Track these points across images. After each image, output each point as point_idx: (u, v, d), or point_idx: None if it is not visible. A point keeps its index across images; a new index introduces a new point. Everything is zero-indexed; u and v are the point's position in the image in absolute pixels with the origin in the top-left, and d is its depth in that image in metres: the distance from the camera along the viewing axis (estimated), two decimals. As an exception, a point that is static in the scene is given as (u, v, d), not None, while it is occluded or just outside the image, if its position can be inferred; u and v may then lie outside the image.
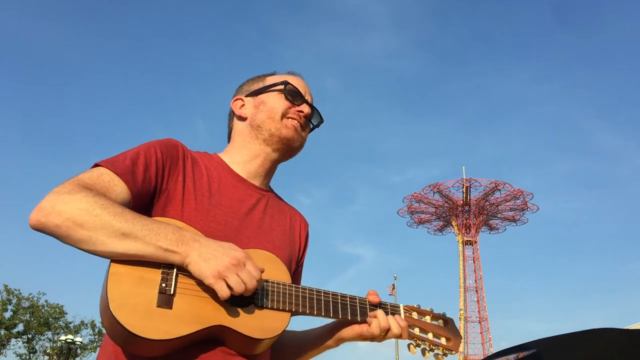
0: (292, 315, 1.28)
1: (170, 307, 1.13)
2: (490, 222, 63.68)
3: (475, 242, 62.49)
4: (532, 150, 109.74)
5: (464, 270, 62.37)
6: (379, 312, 1.35)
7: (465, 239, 62.44)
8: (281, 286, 1.28)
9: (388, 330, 1.33)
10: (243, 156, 1.50)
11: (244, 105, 1.56)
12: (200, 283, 1.17)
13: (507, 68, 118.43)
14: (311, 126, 1.60)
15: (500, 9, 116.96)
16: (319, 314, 1.31)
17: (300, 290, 1.30)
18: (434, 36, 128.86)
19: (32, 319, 30.78)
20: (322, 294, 1.33)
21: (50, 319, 31.70)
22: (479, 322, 59.67)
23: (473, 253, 62.59)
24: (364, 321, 1.35)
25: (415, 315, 1.41)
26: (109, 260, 1.14)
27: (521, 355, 2.17)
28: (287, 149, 1.50)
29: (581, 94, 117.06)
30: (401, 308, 1.40)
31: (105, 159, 1.25)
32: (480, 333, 59.19)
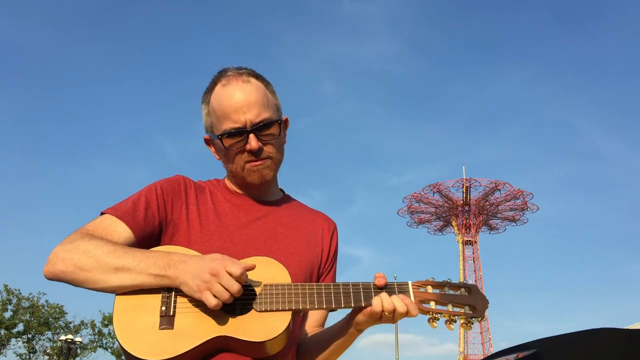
0: (294, 313, 1.30)
1: (172, 327, 1.23)
2: (490, 222, 63.69)
3: (475, 242, 62.49)
4: (531, 152, 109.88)
5: (464, 270, 62.37)
6: (382, 294, 1.32)
7: (465, 239, 62.45)
8: (279, 287, 1.30)
9: (394, 310, 1.30)
10: (239, 184, 1.56)
11: (212, 147, 1.57)
12: (196, 299, 1.25)
13: (505, 71, 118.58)
14: (274, 137, 1.48)
15: (498, 12, 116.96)
16: (320, 307, 1.31)
17: (300, 287, 1.32)
18: (431, 40, 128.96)
19: (32, 319, 30.75)
20: (323, 287, 1.33)
21: (50, 319, 31.67)
22: (479, 322, 59.57)
23: (473, 253, 62.63)
24: (369, 305, 1.33)
25: (429, 288, 1.36)
26: (114, 295, 1.27)
27: (521, 355, 2.17)
28: (264, 185, 1.52)
29: (579, 96, 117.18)
30: (409, 285, 1.36)
31: (111, 206, 1.41)
32: (480, 333, 59.23)
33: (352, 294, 1.33)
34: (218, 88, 1.48)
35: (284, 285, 1.31)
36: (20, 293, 30.89)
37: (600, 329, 2.05)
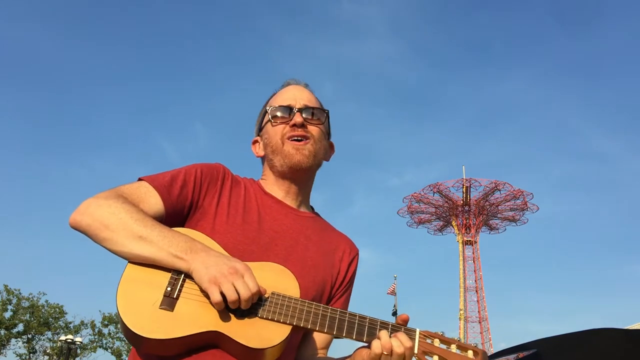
0: (294, 328, 1.27)
1: (172, 309, 1.21)
2: (490, 222, 63.61)
3: (475, 242, 62.43)
4: (531, 152, 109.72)
5: (464, 270, 62.36)
6: (382, 333, 1.26)
7: (465, 239, 62.39)
8: (286, 299, 1.28)
9: (392, 350, 1.23)
10: (273, 186, 1.59)
11: (259, 144, 1.64)
12: (203, 289, 1.23)
13: (505, 71, 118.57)
14: (319, 122, 1.58)
15: (498, 13, 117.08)
16: (321, 330, 1.28)
17: (307, 305, 1.29)
18: (431, 41, 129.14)
19: (32, 319, 30.71)
20: (329, 311, 1.29)
21: (50, 319, 31.64)
22: (479, 322, 59.66)
23: (473, 253, 62.57)
24: (370, 341, 1.27)
25: (436, 342, 1.29)
26: (126, 262, 1.26)
27: (521, 355, 2.17)
28: (301, 173, 1.55)
29: (579, 97, 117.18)
30: (417, 333, 1.29)
31: (149, 175, 1.41)
32: (480, 333, 59.17)
33: (356, 326, 1.28)
34: (279, 90, 1.65)
35: (291, 298, 1.29)
36: (20, 293, 30.89)
37: (600, 329, 2.05)
